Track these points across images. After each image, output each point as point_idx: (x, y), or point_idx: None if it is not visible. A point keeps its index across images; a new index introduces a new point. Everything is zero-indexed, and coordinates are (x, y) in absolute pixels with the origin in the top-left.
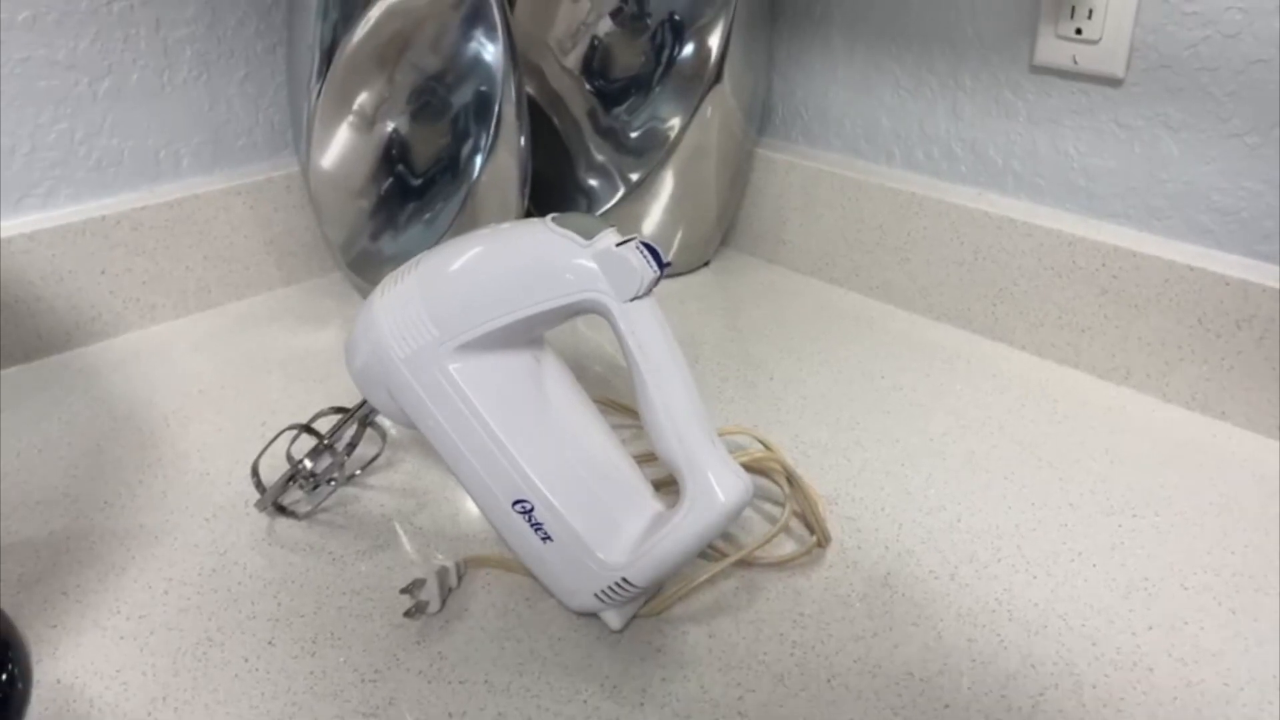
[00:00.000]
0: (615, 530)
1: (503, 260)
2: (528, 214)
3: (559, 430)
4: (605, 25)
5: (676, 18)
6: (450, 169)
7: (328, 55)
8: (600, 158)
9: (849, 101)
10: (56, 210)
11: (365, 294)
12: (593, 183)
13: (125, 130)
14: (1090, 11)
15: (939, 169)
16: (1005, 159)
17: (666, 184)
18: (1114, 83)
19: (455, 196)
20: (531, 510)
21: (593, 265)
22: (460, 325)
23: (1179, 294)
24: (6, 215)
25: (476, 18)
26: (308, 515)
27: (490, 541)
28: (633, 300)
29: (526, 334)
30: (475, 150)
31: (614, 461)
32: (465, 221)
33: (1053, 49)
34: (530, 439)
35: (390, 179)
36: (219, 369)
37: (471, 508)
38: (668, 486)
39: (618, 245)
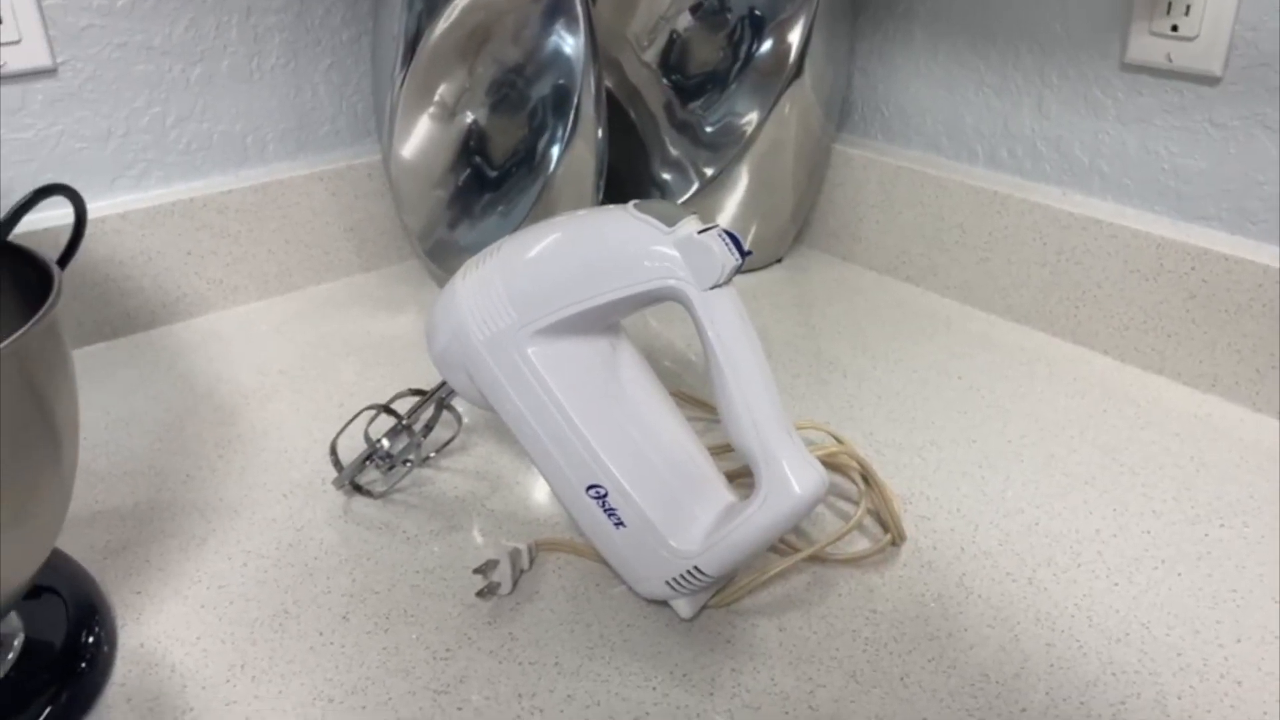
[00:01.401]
0: (688, 519)
1: (584, 246)
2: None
3: (634, 417)
4: (685, 20)
5: (757, 13)
6: (527, 161)
7: (411, 45)
8: (675, 152)
9: (931, 98)
10: (147, 192)
11: (441, 281)
12: (666, 176)
13: (215, 115)
14: (1188, 7)
15: (1022, 167)
16: (1092, 158)
17: (742, 179)
18: (1210, 81)
19: (531, 189)
20: (605, 496)
21: (674, 252)
22: (539, 309)
23: (1272, 299)
24: (100, 196)
25: (558, 10)
26: (383, 495)
27: (561, 526)
28: (713, 288)
29: (604, 320)
30: (552, 143)
31: (688, 451)
32: (540, 213)
33: (1146, 46)
34: (605, 424)
35: (468, 170)
36: (298, 350)
37: (543, 493)
38: (739, 479)
39: (699, 232)
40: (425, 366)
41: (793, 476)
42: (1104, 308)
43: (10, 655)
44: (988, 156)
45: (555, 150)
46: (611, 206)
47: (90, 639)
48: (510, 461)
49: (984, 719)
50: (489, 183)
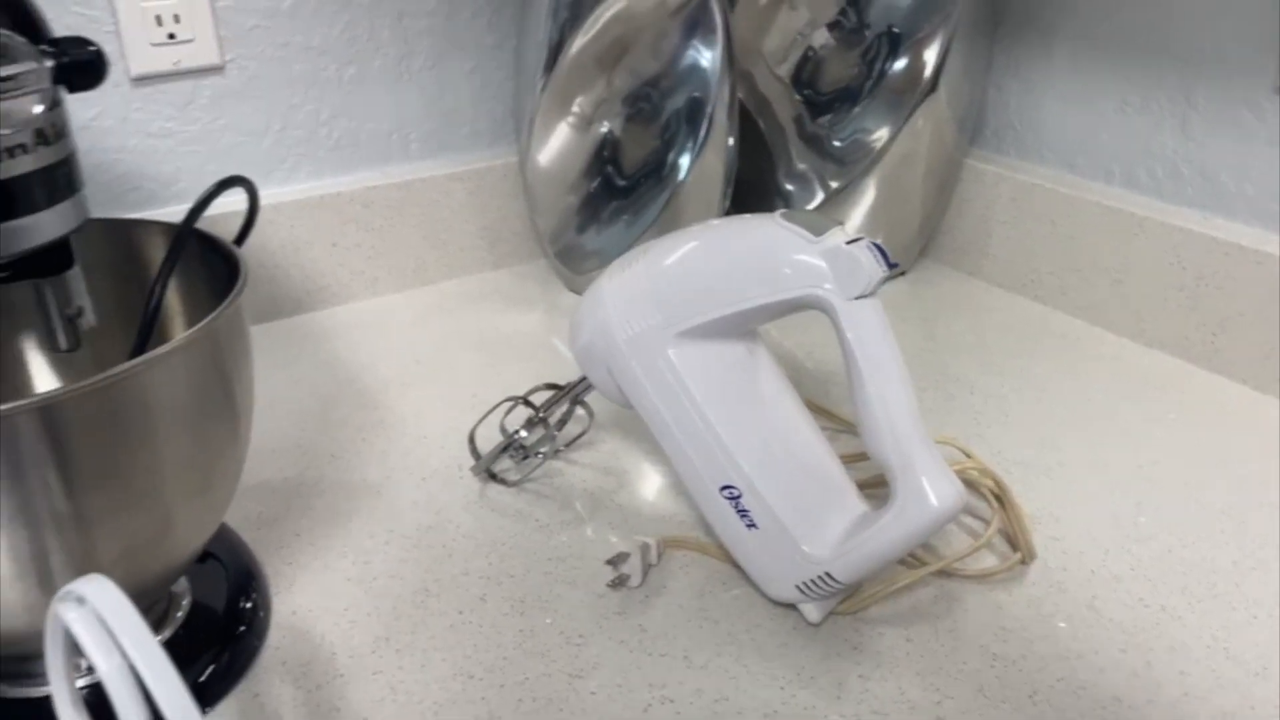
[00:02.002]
0: (820, 524)
1: (731, 252)
2: (727, 215)
3: (770, 421)
4: (821, 36)
5: (895, 30)
6: (656, 171)
7: (554, 54)
8: (802, 165)
9: (1067, 115)
10: (298, 185)
11: (569, 282)
12: (790, 187)
13: (364, 114)
14: None
15: (1162, 189)
16: (1238, 182)
17: (869, 191)
18: None
19: (659, 198)
20: (739, 497)
21: (821, 262)
22: (683, 312)
23: None
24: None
25: (697, 24)
26: (516, 484)
27: (685, 525)
28: (858, 298)
29: (745, 325)
30: (682, 153)
31: (821, 458)
32: (667, 221)
33: None
34: (741, 427)
35: (599, 177)
36: (433, 342)
37: (667, 491)
38: (868, 489)
39: (847, 243)
40: (553, 362)
41: (930, 489)
42: (1245, 335)
43: (180, 614)
44: (1125, 176)
45: (685, 160)
46: (758, 215)
47: (248, 604)
48: (637, 459)
49: None
50: (618, 191)
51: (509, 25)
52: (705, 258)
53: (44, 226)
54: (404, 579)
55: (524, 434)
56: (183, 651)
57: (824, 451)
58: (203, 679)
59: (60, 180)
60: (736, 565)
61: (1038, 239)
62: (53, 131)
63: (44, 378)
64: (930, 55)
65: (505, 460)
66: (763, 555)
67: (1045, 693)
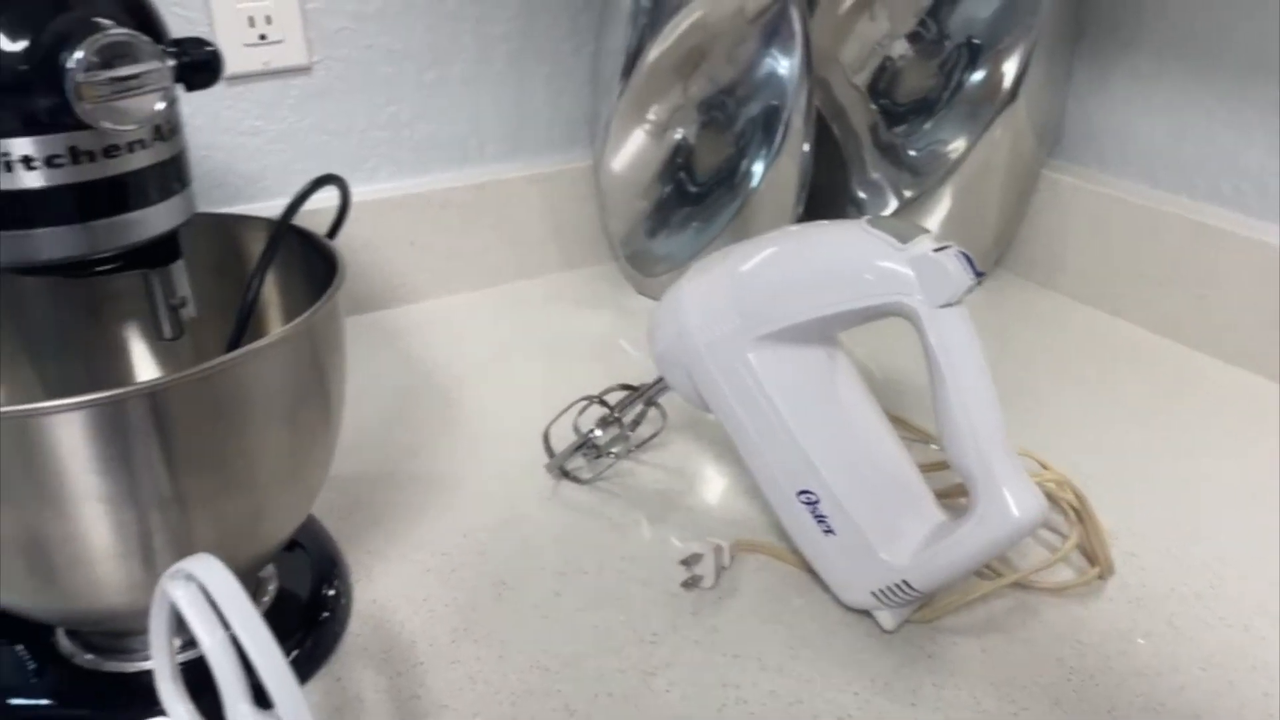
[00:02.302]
0: (898, 532)
1: (814, 258)
2: (800, 222)
3: (849, 428)
4: (900, 47)
5: (975, 41)
6: (729, 179)
7: (632, 60)
8: (875, 174)
9: (1150, 127)
10: (378, 185)
11: (638, 285)
12: (864, 195)
13: (443, 116)
14: None
15: (1248, 204)
16: None
17: (944, 200)
18: None
19: (730, 206)
20: (816, 502)
21: (907, 269)
22: (764, 317)
23: None
24: None
25: (775, 32)
26: (588, 482)
27: (756, 528)
28: (944, 307)
29: (827, 331)
30: (756, 160)
31: (900, 465)
32: (738, 228)
33: None
34: (820, 433)
35: (672, 184)
36: (505, 341)
37: (738, 494)
38: (946, 499)
39: (934, 250)
40: (622, 363)
41: (1012, 500)
42: None
43: (266, 599)
44: (1208, 190)
45: (759, 168)
46: (844, 220)
47: (331, 592)
48: (708, 461)
49: None
50: (689, 197)
51: (586, 31)
52: (789, 262)
53: (156, 219)
54: (480, 571)
55: (598, 433)
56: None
57: (902, 459)
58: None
59: (172, 175)
60: (810, 570)
61: (1117, 252)
62: (168, 128)
63: (145, 365)
64: (1010, 66)
65: (578, 458)
66: (838, 561)
67: (1124, 709)
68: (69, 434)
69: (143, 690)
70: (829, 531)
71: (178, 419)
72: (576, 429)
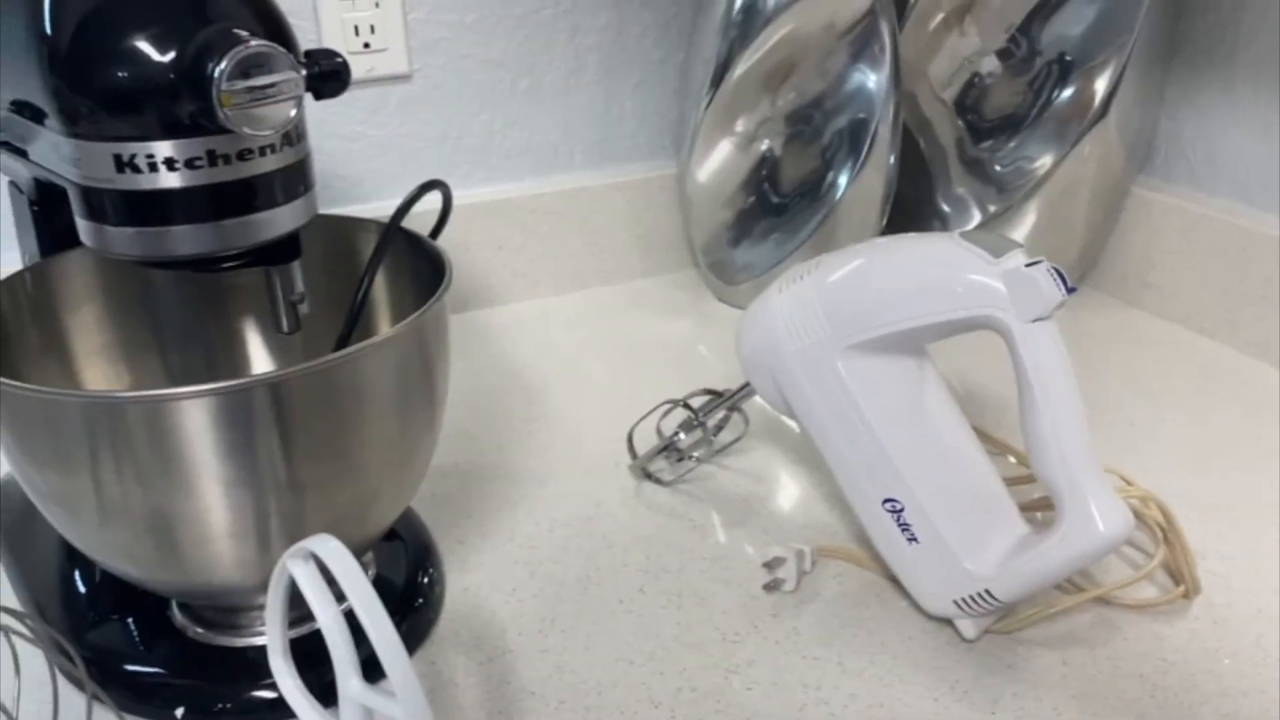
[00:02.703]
0: (982, 542)
1: (906, 269)
2: (883, 234)
3: (935, 438)
4: (990, 63)
5: (1068, 58)
6: (812, 192)
7: (721, 70)
8: (960, 189)
9: (1245, 146)
10: (470, 190)
11: (719, 293)
12: (948, 209)
13: (534, 124)
14: None
15: None
16: None
17: (1030, 215)
18: None
19: (812, 219)
20: (901, 510)
21: (999, 283)
22: (855, 326)
23: None
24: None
25: (865, 46)
26: (670, 484)
27: (835, 535)
28: (1035, 321)
29: (916, 342)
30: (841, 174)
31: (985, 477)
32: (820, 240)
33: None
34: (908, 442)
35: (755, 195)
36: (588, 343)
37: (818, 501)
38: (1027, 512)
39: (1027, 265)
40: (701, 368)
41: (1099, 515)
42: None
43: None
44: None
45: (844, 180)
46: (935, 234)
47: (425, 580)
48: (788, 468)
49: None
50: (772, 208)
51: (675, 41)
52: (880, 273)
53: (282, 220)
54: (567, 565)
55: (682, 437)
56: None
57: (987, 471)
58: None
59: (297, 178)
60: (890, 578)
61: (1206, 271)
62: (295, 134)
63: (259, 357)
64: (1101, 84)
65: (659, 460)
66: (921, 569)
67: None
68: (197, 419)
69: (249, 664)
70: (913, 540)
71: (297, 408)
72: (659, 431)
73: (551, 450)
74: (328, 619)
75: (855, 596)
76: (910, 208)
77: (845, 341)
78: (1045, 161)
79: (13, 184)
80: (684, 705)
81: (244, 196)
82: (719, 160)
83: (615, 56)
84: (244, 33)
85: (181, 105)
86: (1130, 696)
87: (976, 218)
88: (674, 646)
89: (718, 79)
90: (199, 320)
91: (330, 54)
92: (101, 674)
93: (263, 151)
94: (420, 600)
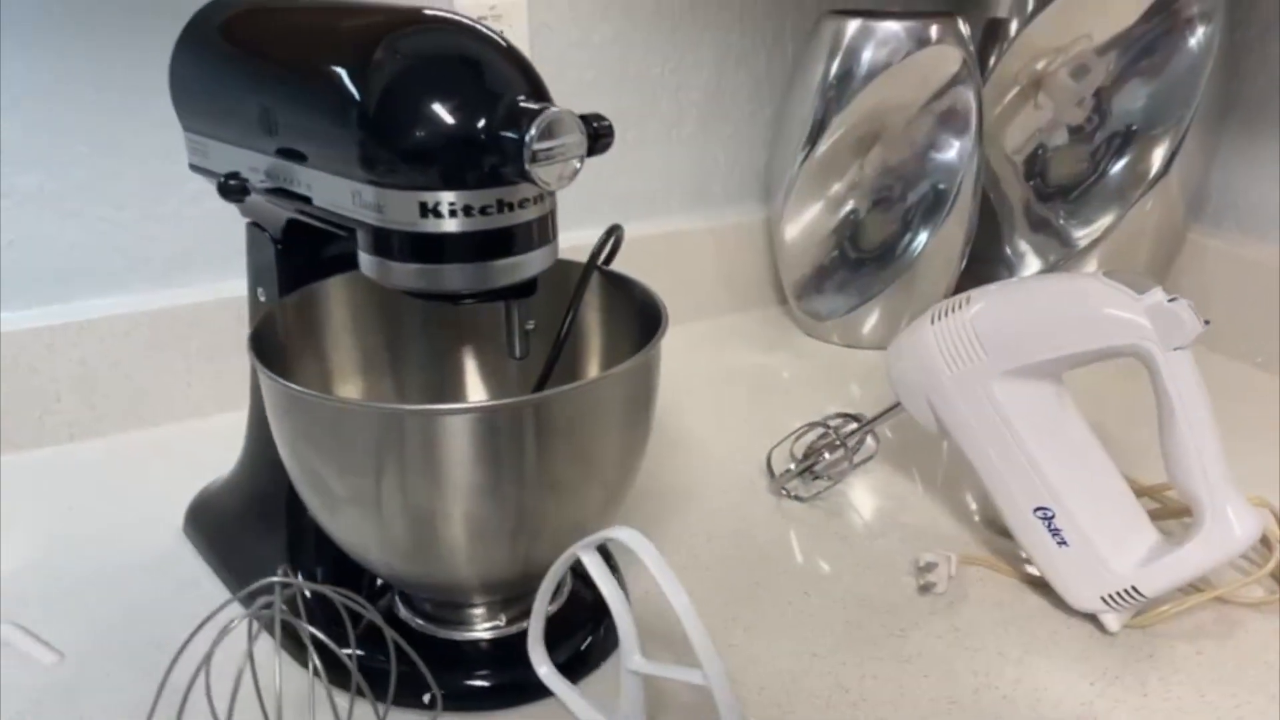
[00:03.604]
0: (1124, 545)
1: (1058, 304)
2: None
3: (1079, 452)
4: (1059, 136)
5: (1133, 128)
6: (887, 255)
7: (818, 129)
8: (1024, 243)
9: None
10: (582, 231)
11: (805, 328)
12: (1012, 256)
13: (639, 172)
14: None
15: None
16: None
17: (1092, 265)
18: None
19: (885, 276)
20: (1052, 517)
21: (1143, 318)
22: (1011, 354)
23: None
24: None
25: (951, 113)
26: (807, 500)
27: (965, 545)
28: (1176, 350)
29: (1063, 369)
30: (918, 237)
31: (1120, 487)
32: (896, 296)
33: None
34: (1056, 456)
35: (836, 251)
36: (696, 373)
37: (943, 515)
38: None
39: (1168, 301)
40: (807, 397)
41: (1235, 520)
42: None
43: (562, 598)
44: None
45: (920, 241)
46: (1082, 273)
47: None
48: (916, 484)
49: None
50: (849, 264)
51: (765, 95)
52: (1036, 307)
53: (533, 263)
54: (732, 572)
55: (827, 456)
56: (567, 625)
57: (1121, 482)
58: (583, 648)
59: (548, 227)
60: (1026, 580)
61: (1259, 310)
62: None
63: (474, 380)
64: (1162, 150)
65: (794, 479)
66: (1070, 569)
67: None
68: (462, 430)
69: (467, 656)
70: (1063, 543)
71: (551, 423)
72: (792, 454)
73: (690, 471)
74: (617, 601)
75: (997, 598)
76: (978, 254)
77: (1000, 368)
78: (1108, 219)
79: (254, 224)
80: (869, 689)
81: (510, 241)
82: (808, 216)
83: (712, 109)
84: (548, 103)
85: (488, 160)
86: (1262, 680)
87: (1038, 266)
88: (847, 642)
89: (813, 137)
90: (428, 344)
91: (600, 118)
92: (325, 662)
93: (523, 204)
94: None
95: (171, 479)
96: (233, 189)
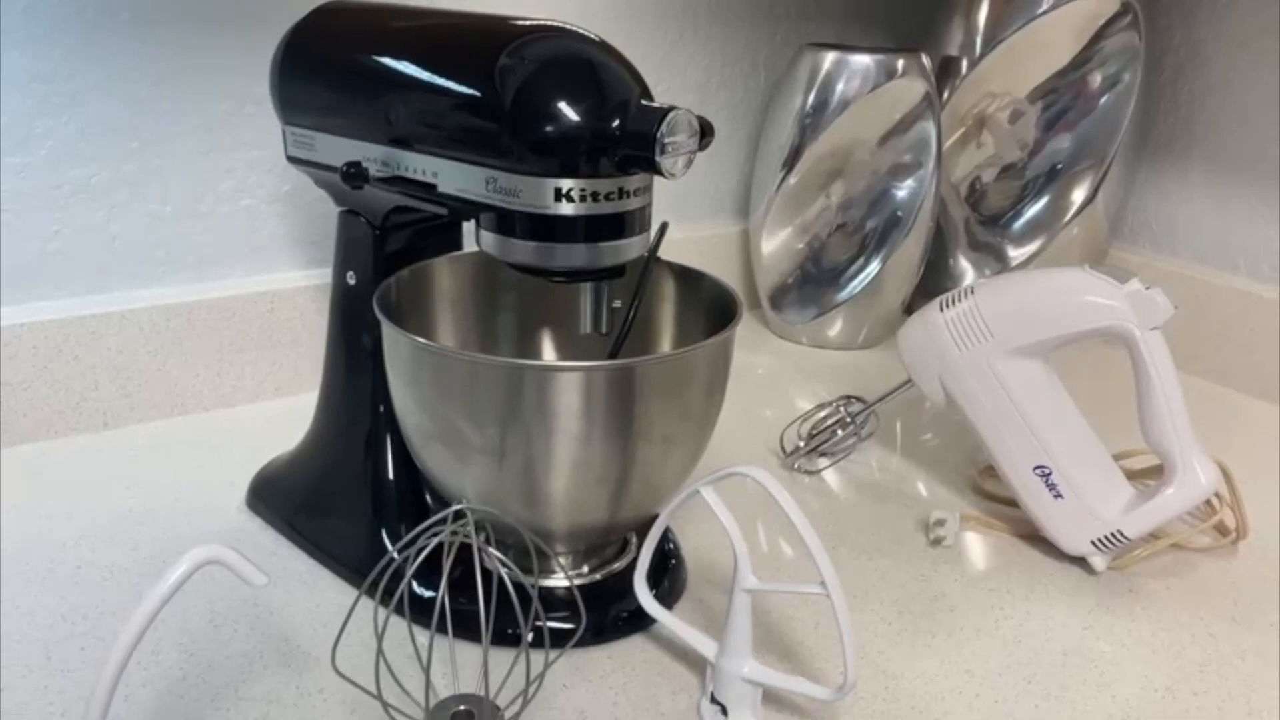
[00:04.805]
0: (1109, 496)
1: (1054, 293)
2: (918, 287)
3: (1071, 419)
4: (991, 174)
5: (1058, 167)
6: (851, 273)
7: (794, 155)
8: (965, 260)
9: (1198, 219)
10: None
11: (777, 330)
12: (955, 270)
13: None
14: None
15: None
16: None
17: None
18: None
19: (848, 290)
20: (1050, 474)
21: (1125, 302)
22: (1014, 335)
23: None
24: None
25: (913, 146)
26: (815, 473)
27: (957, 506)
28: (1152, 329)
29: (1055, 347)
30: (873, 258)
31: (1101, 448)
32: (859, 304)
33: None
34: (1050, 423)
35: (804, 267)
36: None
37: (935, 483)
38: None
39: (1145, 288)
40: (780, 390)
41: (1200, 471)
42: None
43: (628, 557)
44: (1250, 269)
45: (878, 261)
46: (1070, 267)
47: (670, 545)
48: (909, 458)
49: None
50: (812, 279)
51: (741, 118)
52: (1038, 294)
53: (631, 247)
54: (765, 532)
55: (840, 433)
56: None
57: (1102, 445)
58: (657, 591)
59: (645, 216)
60: (1018, 535)
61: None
62: (646, 181)
63: (552, 357)
64: (1090, 181)
65: (801, 456)
66: (1064, 518)
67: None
68: (576, 386)
69: (550, 601)
70: (1058, 496)
71: (647, 385)
72: (800, 434)
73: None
74: (734, 529)
75: (997, 548)
76: (929, 265)
77: (1005, 348)
78: (1039, 242)
79: (349, 212)
80: (909, 616)
81: (620, 226)
82: (781, 236)
83: None
84: (675, 104)
85: (621, 152)
86: (1219, 606)
87: (980, 277)
88: (877, 585)
89: (790, 161)
90: (515, 320)
91: (703, 119)
92: (416, 611)
93: (625, 194)
94: (673, 561)
95: (219, 462)
96: (353, 175)
